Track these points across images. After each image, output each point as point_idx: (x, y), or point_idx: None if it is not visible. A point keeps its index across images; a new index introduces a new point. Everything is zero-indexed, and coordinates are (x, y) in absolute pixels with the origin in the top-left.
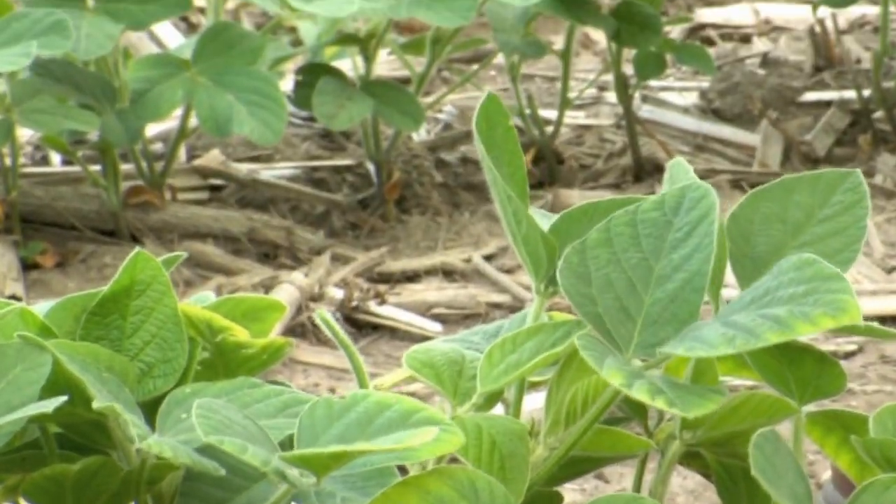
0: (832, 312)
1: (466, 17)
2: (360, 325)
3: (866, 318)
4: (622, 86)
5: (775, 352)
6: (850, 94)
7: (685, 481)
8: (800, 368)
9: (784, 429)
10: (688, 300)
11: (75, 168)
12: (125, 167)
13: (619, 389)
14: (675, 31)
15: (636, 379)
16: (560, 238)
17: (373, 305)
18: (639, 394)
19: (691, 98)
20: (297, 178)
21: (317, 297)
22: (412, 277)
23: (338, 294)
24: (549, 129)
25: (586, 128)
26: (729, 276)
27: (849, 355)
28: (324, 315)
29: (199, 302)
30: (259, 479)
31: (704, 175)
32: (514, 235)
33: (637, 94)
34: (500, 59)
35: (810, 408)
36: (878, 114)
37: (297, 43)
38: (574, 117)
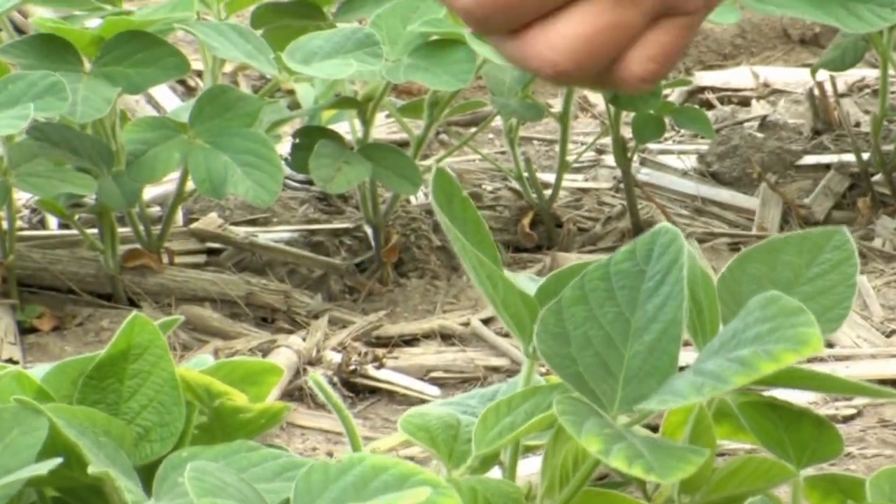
0: (794, 346)
1: (464, 80)
2: (358, 389)
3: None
4: (621, 149)
5: (772, 415)
6: (850, 157)
7: None
8: (797, 432)
9: (782, 492)
10: (666, 351)
11: (72, 231)
12: (122, 231)
13: None
14: (673, 94)
15: (616, 443)
16: (549, 299)
17: (371, 369)
18: (616, 461)
19: (690, 161)
20: (295, 241)
21: (315, 361)
22: (410, 341)
23: (336, 358)
24: (548, 192)
25: (585, 191)
26: None
27: (848, 419)
28: (317, 379)
29: (198, 365)
30: None
31: (703, 238)
32: (493, 301)
33: (636, 157)
34: (498, 121)
35: (809, 471)
36: (878, 177)
37: (294, 106)
38: (572, 180)
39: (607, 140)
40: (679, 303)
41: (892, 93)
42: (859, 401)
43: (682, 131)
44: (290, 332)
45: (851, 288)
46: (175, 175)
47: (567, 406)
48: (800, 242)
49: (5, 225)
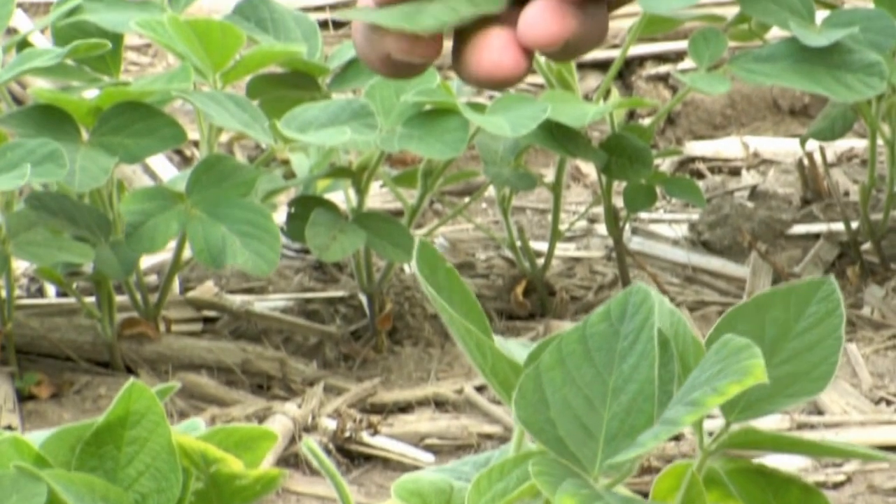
0: (738, 378)
1: (458, 149)
2: (352, 456)
3: None
4: (612, 218)
5: (761, 481)
6: (839, 226)
7: None
8: (784, 498)
9: None
10: (642, 410)
11: (70, 300)
12: (120, 299)
13: None
14: (665, 164)
15: (593, 502)
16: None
17: (365, 436)
18: None
19: (681, 230)
20: (291, 309)
21: (310, 428)
22: (404, 408)
23: (331, 424)
24: (541, 261)
25: (577, 260)
26: None
27: (837, 486)
28: (311, 445)
29: (189, 429)
30: None
31: (694, 307)
32: (482, 369)
33: (627, 227)
34: (491, 191)
35: None
36: (866, 246)
37: (289, 175)
38: (565, 249)
39: (599, 209)
40: (651, 361)
41: (881, 162)
42: (849, 467)
43: (674, 200)
44: (286, 399)
45: (838, 341)
46: (172, 245)
47: (543, 467)
48: (786, 296)
49: (4, 293)
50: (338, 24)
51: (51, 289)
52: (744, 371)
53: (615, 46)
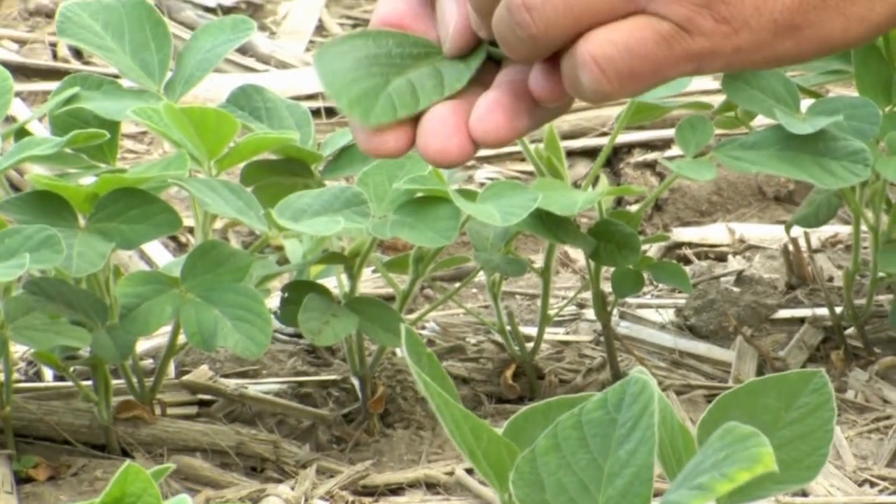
0: (747, 465)
1: (449, 237)
2: None
3: None
4: (600, 303)
5: None
6: (823, 311)
7: None
8: None
9: None
10: (639, 494)
11: (67, 383)
12: (116, 382)
13: None
14: (652, 250)
15: None
16: (519, 434)
17: None
18: None
19: (668, 315)
20: (284, 392)
21: None
22: (396, 490)
23: None
24: (530, 345)
25: (566, 344)
26: None
27: None
28: None
29: None
30: None
31: (681, 390)
32: (472, 452)
33: (615, 311)
34: (481, 276)
35: None
36: (851, 330)
37: (283, 261)
38: (554, 334)
39: (588, 294)
40: (651, 447)
41: (865, 248)
42: None
43: (661, 286)
44: (280, 481)
45: (829, 433)
46: (167, 329)
47: None
48: (778, 385)
49: (2, 377)
50: (330, 112)
51: (48, 372)
52: (753, 458)
53: (604, 134)
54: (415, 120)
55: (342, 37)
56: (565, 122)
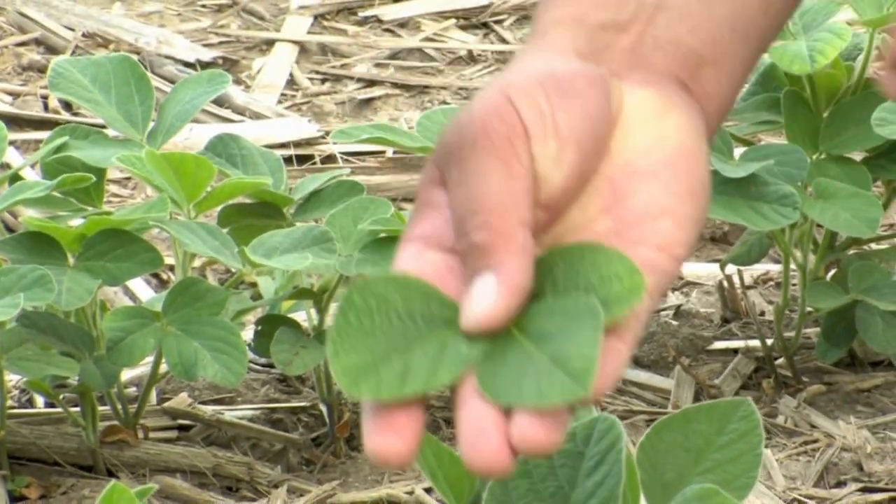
0: None
1: None
2: None
3: None
4: None
5: None
6: (755, 342)
7: None
8: None
9: None
10: None
11: (57, 409)
12: (102, 409)
13: None
14: None
15: None
16: None
17: None
18: None
19: None
20: (257, 418)
21: None
22: None
23: None
24: None
25: None
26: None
27: None
28: None
29: None
30: None
31: (623, 416)
32: (433, 473)
33: None
34: None
35: None
36: (780, 360)
37: (257, 296)
38: None
39: None
40: (617, 481)
41: (794, 285)
42: None
43: None
44: (253, 500)
45: (757, 457)
46: (150, 359)
47: None
48: (710, 412)
49: None
50: (301, 160)
51: (40, 399)
52: None
53: None
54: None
55: (381, 278)
56: None
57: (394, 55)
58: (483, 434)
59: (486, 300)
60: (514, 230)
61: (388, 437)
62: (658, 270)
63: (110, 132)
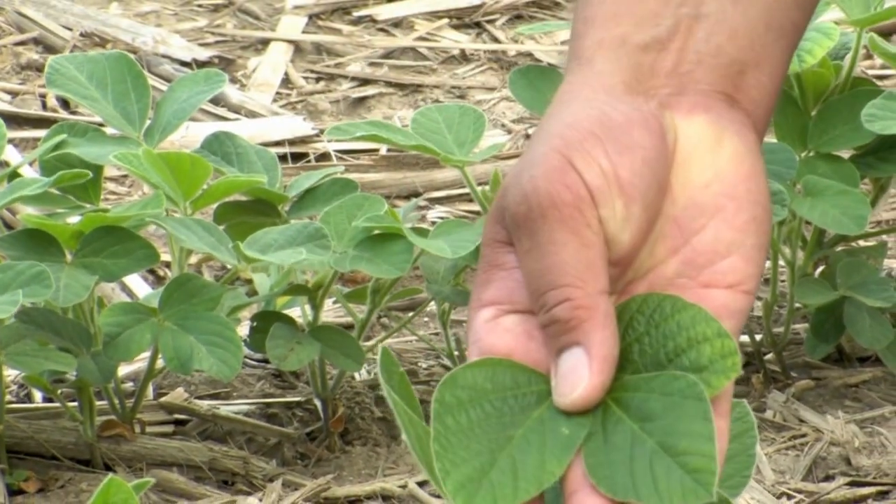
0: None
1: (403, 268)
2: None
3: None
4: None
5: None
6: (745, 338)
7: None
8: None
9: None
10: None
11: (55, 404)
12: (99, 403)
13: None
14: None
15: None
16: None
17: None
18: None
19: None
20: (253, 413)
21: None
22: (355, 501)
23: None
24: None
25: None
26: None
27: None
28: None
29: None
30: None
31: None
32: (430, 467)
33: None
34: (432, 306)
35: None
36: (769, 356)
37: (252, 293)
38: None
39: None
40: None
41: (782, 281)
42: None
43: None
44: (249, 493)
45: (752, 458)
46: (146, 354)
47: None
48: None
49: None
50: (296, 157)
51: (38, 394)
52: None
53: None
54: None
55: (466, 367)
56: (509, 165)
57: (387, 54)
58: None
59: (579, 377)
60: (595, 301)
61: None
62: (734, 312)
63: (108, 130)
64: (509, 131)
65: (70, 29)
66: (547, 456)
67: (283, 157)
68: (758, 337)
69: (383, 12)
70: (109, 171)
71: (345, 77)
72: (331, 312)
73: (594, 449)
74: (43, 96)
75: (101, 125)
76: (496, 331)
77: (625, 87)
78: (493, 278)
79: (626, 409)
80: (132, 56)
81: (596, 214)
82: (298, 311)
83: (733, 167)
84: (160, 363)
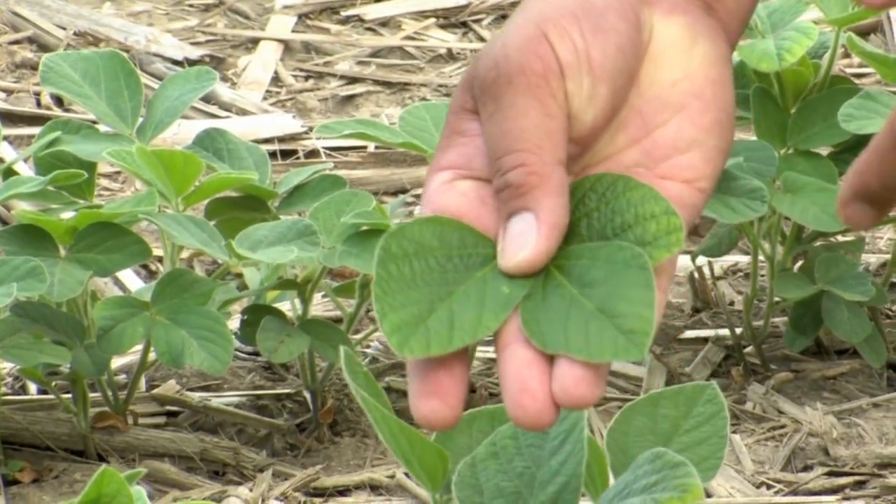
0: (678, 495)
1: None
2: None
3: None
4: None
5: None
6: (725, 331)
7: None
8: None
9: None
10: (567, 500)
11: (50, 396)
12: (93, 395)
13: None
14: None
15: None
16: (442, 446)
17: None
18: None
19: None
20: (243, 404)
21: None
22: (343, 492)
23: None
24: None
25: (495, 361)
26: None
27: None
28: None
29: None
30: None
31: (597, 402)
32: (406, 459)
33: None
34: None
35: None
36: (749, 349)
37: (242, 287)
38: (485, 351)
39: None
40: (580, 459)
41: (762, 276)
42: None
43: None
44: (239, 483)
45: (723, 440)
46: (139, 347)
47: None
48: (675, 396)
49: None
50: (285, 154)
51: (32, 386)
52: (683, 489)
53: None
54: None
55: (415, 222)
56: None
57: (375, 53)
58: (527, 393)
59: (525, 241)
60: (550, 169)
61: (433, 404)
62: (687, 205)
63: (101, 127)
64: None
65: (64, 28)
66: (485, 311)
67: (272, 154)
68: (738, 330)
69: (371, 12)
70: (103, 168)
71: (333, 76)
72: (320, 306)
73: (531, 307)
74: (37, 94)
75: (94, 122)
76: (450, 193)
77: None
78: (454, 143)
79: (567, 276)
80: (125, 55)
81: (563, 87)
82: (288, 305)
83: (703, 70)
84: (152, 356)
